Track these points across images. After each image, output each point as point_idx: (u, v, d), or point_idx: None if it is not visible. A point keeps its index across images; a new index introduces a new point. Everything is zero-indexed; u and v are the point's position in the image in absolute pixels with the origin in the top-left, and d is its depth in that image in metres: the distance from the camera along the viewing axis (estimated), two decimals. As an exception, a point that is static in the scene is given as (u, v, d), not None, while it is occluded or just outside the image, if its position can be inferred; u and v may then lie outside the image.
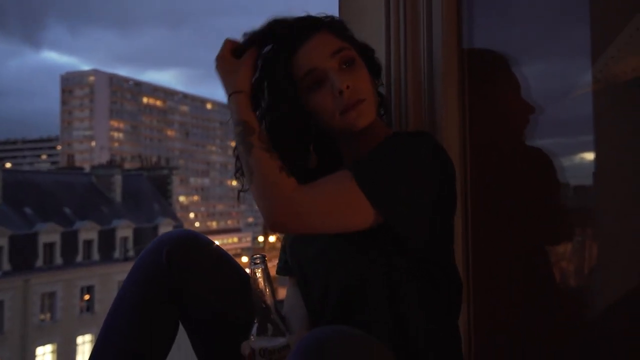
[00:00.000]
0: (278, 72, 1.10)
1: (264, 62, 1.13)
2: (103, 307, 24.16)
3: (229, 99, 1.07)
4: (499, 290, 1.23)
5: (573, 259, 1.19)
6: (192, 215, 79.86)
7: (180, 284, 1.13)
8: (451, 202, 1.05)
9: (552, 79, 1.24)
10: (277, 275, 1.33)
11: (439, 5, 1.27)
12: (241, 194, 1.15)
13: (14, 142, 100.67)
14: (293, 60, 1.10)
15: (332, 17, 1.17)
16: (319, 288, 1.09)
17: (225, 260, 1.20)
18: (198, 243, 1.17)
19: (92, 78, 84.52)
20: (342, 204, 0.98)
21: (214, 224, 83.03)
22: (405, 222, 0.97)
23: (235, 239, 71.30)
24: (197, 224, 76.86)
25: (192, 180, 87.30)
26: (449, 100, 1.25)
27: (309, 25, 1.12)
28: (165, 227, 29.25)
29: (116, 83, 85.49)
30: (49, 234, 24.10)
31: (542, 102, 1.21)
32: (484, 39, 1.31)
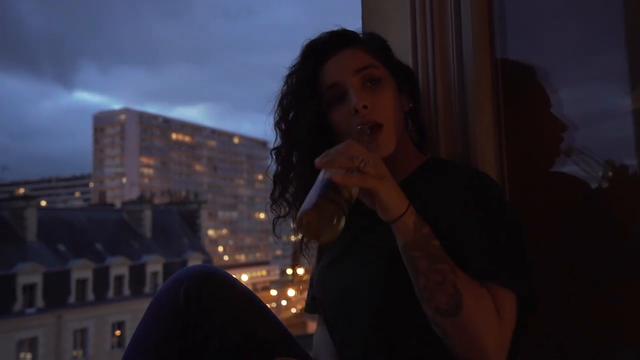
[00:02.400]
0: (302, 84, 1.08)
1: (289, 74, 1.11)
2: (134, 343, 24.07)
3: (395, 223, 0.90)
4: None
5: (615, 276, 1.12)
6: (220, 248, 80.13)
7: (199, 323, 1.04)
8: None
9: (590, 96, 1.19)
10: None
11: (467, 13, 1.21)
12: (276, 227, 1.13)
13: (49, 181, 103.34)
14: (319, 74, 1.08)
15: (369, 34, 1.15)
16: (357, 331, 1.02)
17: (246, 296, 1.12)
18: (217, 279, 1.09)
19: (122, 116, 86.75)
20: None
21: (242, 257, 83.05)
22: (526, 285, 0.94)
23: (264, 272, 71.06)
24: (225, 258, 76.99)
25: (220, 213, 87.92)
26: (483, 114, 1.19)
27: (338, 39, 1.09)
28: (194, 261, 29.33)
29: (146, 120, 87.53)
30: (82, 270, 24.42)
31: (581, 119, 1.15)
32: (519, 49, 1.24)
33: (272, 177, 1.13)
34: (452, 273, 0.87)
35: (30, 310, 22.49)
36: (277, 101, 1.12)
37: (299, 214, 0.81)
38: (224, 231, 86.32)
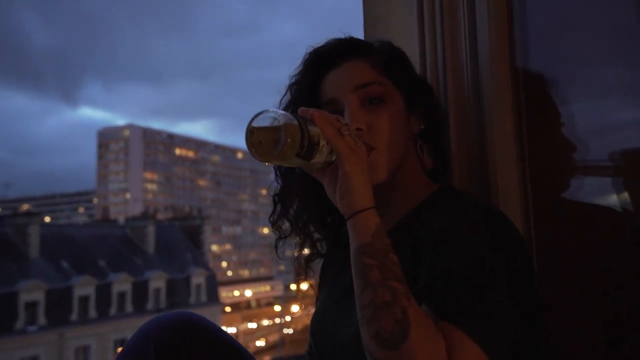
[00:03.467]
0: (302, 96, 1.00)
1: (291, 83, 1.03)
2: (136, 361, 23.89)
3: (354, 217, 0.79)
4: (567, 324, 1.02)
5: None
6: (224, 264, 79.83)
7: None
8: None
9: (617, 107, 1.06)
10: None
11: (484, 19, 1.08)
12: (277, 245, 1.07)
13: (53, 197, 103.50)
14: (321, 85, 0.99)
15: (384, 44, 1.03)
16: None
17: (224, 345, 1.02)
18: (191, 329, 0.98)
19: (126, 132, 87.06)
20: None
21: (246, 273, 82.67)
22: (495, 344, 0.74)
23: (268, 287, 70.69)
24: (229, 273, 76.64)
25: (224, 229, 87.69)
26: (503, 130, 1.05)
27: (345, 49, 0.99)
28: (197, 277, 29.17)
29: (149, 136, 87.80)
30: (84, 287, 24.27)
31: (609, 131, 1.02)
32: (542, 58, 1.09)
33: (272, 196, 1.04)
34: (405, 296, 0.72)
35: (32, 328, 22.30)
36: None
37: (251, 123, 0.76)
38: (228, 246, 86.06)
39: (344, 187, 0.79)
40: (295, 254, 1.08)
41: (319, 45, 1.01)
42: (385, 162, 0.93)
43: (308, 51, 1.02)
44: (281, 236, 1.05)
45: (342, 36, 1.02)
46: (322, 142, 0.78)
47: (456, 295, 0.75)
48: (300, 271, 1.10)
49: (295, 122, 0.75)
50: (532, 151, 1.05)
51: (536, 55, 1.08)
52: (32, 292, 22.40)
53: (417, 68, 1.15)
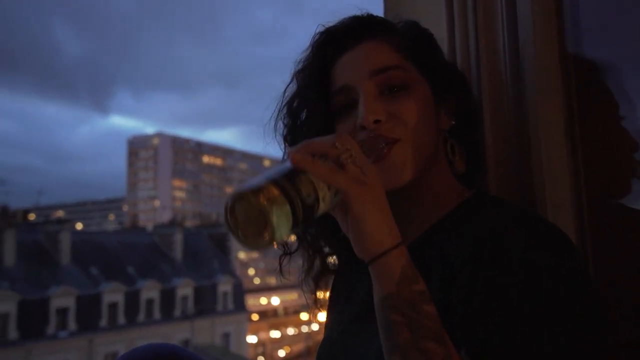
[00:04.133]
0: (309, 84, 0.85)
1: (297, 72, 0.88)
2: (164, 367, 24.10)
3: (373, 263, 0.64)
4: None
5: None
6: (251, 271, 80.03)
7: None
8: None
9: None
10: None
11: None
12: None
13: (84, 204, 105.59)
14: (331, 73, 0.84)
15: (408, 24, 0.88)
16: None
17: None
18: None
19: (156, 140, 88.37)
20: None
21: (273, 280, 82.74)
22: None
23: (295, 296, 70.58)
24: (256, 281, 76.80)
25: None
26: (550, 126, 0.88)
27: (360, 28, 0.83)
28: (224, 285, 29.23)
29: (178, 144, 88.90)
30: (113, 293, 24.53)
31: None
32: (597, 40, 0.92)
33: None
34: None
35: (63, 334, 22.60)
36: (283, 105, 0.88)
37: (230, 195, 0.56)
38: (255, 254, 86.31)
39: (357, 231, 0.64)
40: (302, 276, 0.94)
41: (331, 24, 0.86)
42: (411, 158, 0.77)
43: (318, 31, 0.86)
44: (286, 252, 0.91)
45: (359, 13, 0.86)
46: (321, 192, 0.60)
47: (519, 340, 0.60)
48: (310, 298, 0.94)
49: (276, 189, 0.56)
50: (587, 151, 0.88)
51: (590, 37, 0.91)
52: (63, 297, 22.73)
53: (445, 54, 0.99)
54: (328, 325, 0.93)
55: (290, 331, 49.46)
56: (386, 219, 0.64)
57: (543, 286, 0.62)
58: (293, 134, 0.87)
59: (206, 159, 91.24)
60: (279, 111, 0.88)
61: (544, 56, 0.89)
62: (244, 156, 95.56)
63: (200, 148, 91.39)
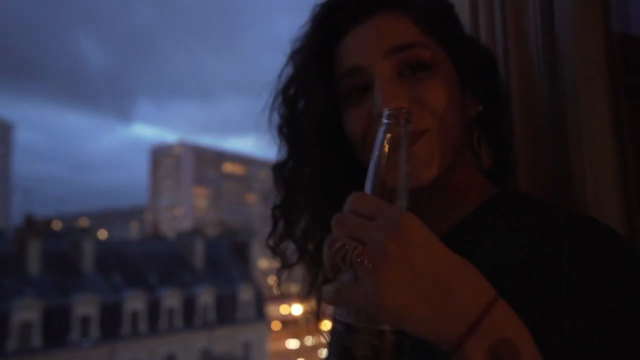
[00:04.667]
0: (307, 67, 0.72)
1: (293, 52, 0.75)
2: (184, 376, 24.18)
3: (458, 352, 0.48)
4: None
5: None
6: (272, 280, 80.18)
7: None
8: None
9: None
10: None
11: None
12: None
13: (107, 213, 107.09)
14: (337, 53, 0.70)
15: None
16: None
17: None
18: None
19: (178, 149, 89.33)
20: None
21: (292, 288, 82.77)
22: None
23: (315, 304, 70.43)
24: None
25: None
26: (593, 116, 0.75)
27: (366, 0, 0.70)
28: (245, 293, 29.20)
29: (200, 153, 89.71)
30: (135, 301, 24.66)
31: None
32: None
33: (271, 209, 0.77)
34: None
35: (85, 341, 22.77)
36: (278, 93, 0.76)
37: None
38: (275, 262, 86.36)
39: (419, 334, 0.48)
40: (305, 290, 0.81)
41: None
42: (438, 151, 0.66)
43: (318, 2, 0.73)
44: (285, 265, 0.79)
45: None
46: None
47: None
48: (313, 311, 0.83)
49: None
50: (638, 145, 0.75)
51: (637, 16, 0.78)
52: (85, 305, 22.92)
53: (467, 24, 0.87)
54: None
55: (310, 341, 49.22)
56: (437, 297, 0.47)
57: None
58: (290, 127, 0.75)
59: (227, 167, 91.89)
60: (273, 100, 0.76)
61: (583, 34, 0.76)
62: (265, 165, 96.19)
63: (222, 157, 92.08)
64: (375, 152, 0.52)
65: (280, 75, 0.76)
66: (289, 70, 0.76)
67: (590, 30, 0.77)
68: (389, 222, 0.47)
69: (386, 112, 0.53)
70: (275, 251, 0.79)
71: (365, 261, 0.47)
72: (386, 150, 0.51)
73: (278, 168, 0.77)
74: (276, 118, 0.76)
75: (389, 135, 0.52)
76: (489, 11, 0.87)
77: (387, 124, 0.52)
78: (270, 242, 0.79)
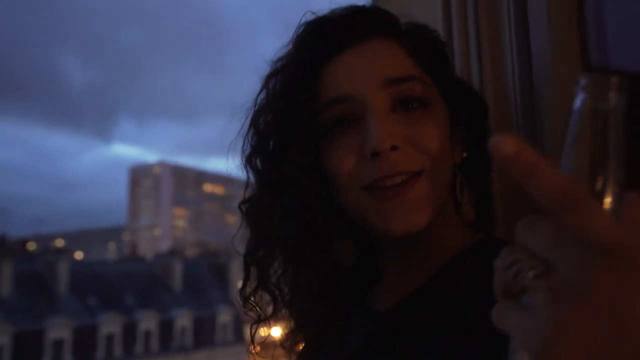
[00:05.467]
0: (291, 89, 0.64)
1: (271, 73, 0.68)
2: (160, 401, 23.63)
3: None
4: None
5: None
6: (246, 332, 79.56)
7: None
8: None
9: None
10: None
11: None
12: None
13: (85, 233, 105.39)
14: (320, 77, 0.63)
15: (416, 25, 0.69)
16: None
17: None
18: None
19: (157, 169, 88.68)
20: None
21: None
22: None
23: (296, 326, 70.06)
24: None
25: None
26: None
27: (359, 23, 0.64)
28: (224, 315, 28.79)
29: (180, 173, 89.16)
30: (110, 324, 24.13)
31: None
32: (629, 46, 0.75)
33: (243, 256, 0.70)
34: None
35: (57, 366, 22.17)
36: (249, 120, 0.69)
37: None
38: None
39: None
40: (286, 345, 0.76)
41: (321, 14, 0.66)
42: (432, 193, 0.61)
43: (305, 20, 0.66)
44: (260, 318, 0.72)
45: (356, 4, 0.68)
46: None
47: None
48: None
49: None
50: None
51: (619, 46, 0.76)
52: (59, 329, 22.35)
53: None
54: None
55: (291, 363, 48.67)
56: None
57: None
58: (263, 159, 0.68)
59: (207, 187, 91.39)
60: (247, 127, 0.69)
61: (562, 72, 0.73)
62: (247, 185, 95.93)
63: (202, 177, 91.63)
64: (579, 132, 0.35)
65: (255, 100, 0.69)
66: (264, 95, 0.69)
67: (567, 64, 0.74)
68: (613, 241, 0.30)
69: (584, 79, 0.35)
70: (247, 303, 0.72)
71: (546, 290, 0.31)
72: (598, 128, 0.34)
73: (248, 207, 0.70)
74: (247, 147, 0.70)
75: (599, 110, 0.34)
76: (465, 44, 0.85)
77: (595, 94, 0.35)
78: (243, 294, 0.72)
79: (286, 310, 0.73)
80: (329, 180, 0.64)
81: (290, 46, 0.67)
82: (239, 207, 0.72)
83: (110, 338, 24.16)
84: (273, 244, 0.69)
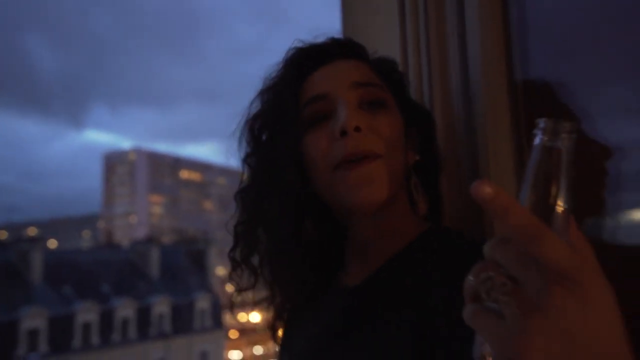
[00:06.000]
0: (281, 99, 0.79)
1: (265, 89, 0.82)
2: (139, 388, 23.66)
3: None
4: None
5: None
6: (230, 288, 79.49)
7: None
8: None
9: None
10: None
11: (476, 30, 0.89)
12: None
13: (59, 221, 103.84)
14: (304, 85, 0.78)
15: (381, 57, 0.86)
16: None
17: None
18: None
19: (133, 155, 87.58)
20: None
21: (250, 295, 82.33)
22: None
23: (274, 311, 70.33)
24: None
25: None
26: (498, 160, 0.85)
27: (339, 48, 0.81)
28: (202, 302, 28.84)
29: (155, 159, 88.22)
30: (87, 312, 23.99)
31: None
32: (545, 69, 0.88)
33: (232, 230, 0.83)
34: None
35: (33, 356, 21.97)
36: (246, 126, 0.83)
37: None
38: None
39: None
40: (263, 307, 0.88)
41: (306, 43, 0.82)
42: (387, 180, 0.72)
43: (292, 46, 0.82)
44: (241, 289, 0.85)
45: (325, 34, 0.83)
46: None
47: None
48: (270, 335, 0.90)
49: None
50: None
51: (538, 69, 0.86)
52: (34, 318, 22.14)
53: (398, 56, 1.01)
54: None
55: (269, 348, 49.05)
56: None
57: None
58: (255, 152, 0.82)
59: (184, 174, 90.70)
60: (242, 130, 0.83)
61: (492, 87, 0.85)
62: (223, 171, 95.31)
63: (178, 163, 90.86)
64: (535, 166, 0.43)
65: (249, 107, 0.82)
66: (258, 103, 0.82)
67: (496, 79, 0.85)
68: (566, 268, 0.38)
69: (542, 123, 0.43)
70: (235, 268, 0.83)
71: (515, 305, 0.39)
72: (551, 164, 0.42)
73: (242, 194, 0.83)
74: (244, 146, 0.83)
75: (551, 148, 0.42)
76: (417, 70, 0.97)
77: (546, 135, 0.43)
78: (231, 262, 0.83)
79: (265, 280, 0.84)
80: (308, 167, 0.76)
81: (280, 65, 0.82)
82: (235, 197, 0.84)
83: (87, 327, 24.03)
84: (259, 219, 0.80)
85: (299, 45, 0.82)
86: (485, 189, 0.38)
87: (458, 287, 0.47)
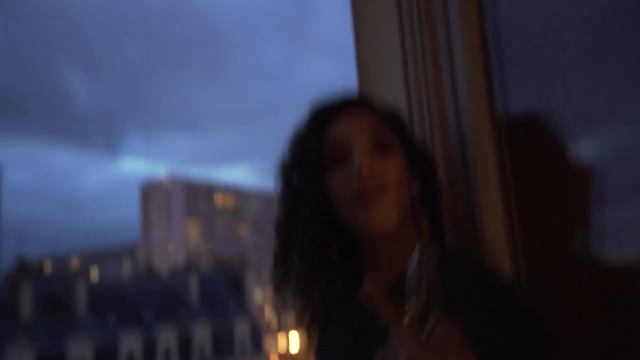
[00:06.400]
0: (308, 143, 0.95)
1: (296, 138, 0.98)
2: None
3: None
4: None
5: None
6: (268, 310, 79.50)
7: None
8: None
9: (618, 154, 0.95)
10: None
11: (461, 63, 1.04)
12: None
13: (99, 251, 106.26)
14: (325, 132, 0.95)
15: (386, 109, 1.02)
16: None
17: None
18: None
19: (168, 184, 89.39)
20: None
21: (290, 319, 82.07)
22: None
23: (314, 332, 69.68)
24: (273, 320, 76.24)
25: (266, 274, 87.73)
26: (487, 186, 0.99)
27: (349, 103, 0.98)
28: (242, 327, 28.99)
29: (190, 186, 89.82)
30: (131, 341, 24.42)
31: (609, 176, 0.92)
32: (525, 102, 1.03)
33: (274, 252, 1.01)
34: None
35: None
36: (281, 170, 1.00)
37: None
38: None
39: None
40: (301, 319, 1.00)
41: (325, 100, 1.00)
42: (395, 211, 0.88)
43: (314, 105, 1.00)
44: (284, 306, 0.98)
45: (344, 91, 1.01)
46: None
47: None
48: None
49: None
50: (521, 207, 0.96)
51: (517, 99, 1.00)
52: (80, 348, 22.66)
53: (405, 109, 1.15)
54: None
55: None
56: None
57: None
58: (288, 191, 0.97)
59: (218, 199, 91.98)
60: (277, 174, 0.99)
61: (478, 121, 1.00)
62: (256, 195, 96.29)
63: (212, 189, 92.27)
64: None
65: (283, 155, 0.99)
66: (289, 150, 0.99)
67: (481, 114, 1.00)
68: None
69: (418, 249, 0.62)
70: (277, 291, 0.98)
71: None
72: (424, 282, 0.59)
73: (279, 226, 0.99)
74: (279, 187, 0.99)
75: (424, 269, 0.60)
76: (420, 114, 1.13)
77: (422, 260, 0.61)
78: (273, 285, 0.99)
79: (300, 299, 0.98)
80: (333, 201, 0.93)
81: (306, 118, 0.99)
82: (274, 230, 1.01)
83: (131, 356, 24.45)
84: (291, 248, 0.96)
85: (321, 102, 0.99)
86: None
87: (459, 303, 0.61)
